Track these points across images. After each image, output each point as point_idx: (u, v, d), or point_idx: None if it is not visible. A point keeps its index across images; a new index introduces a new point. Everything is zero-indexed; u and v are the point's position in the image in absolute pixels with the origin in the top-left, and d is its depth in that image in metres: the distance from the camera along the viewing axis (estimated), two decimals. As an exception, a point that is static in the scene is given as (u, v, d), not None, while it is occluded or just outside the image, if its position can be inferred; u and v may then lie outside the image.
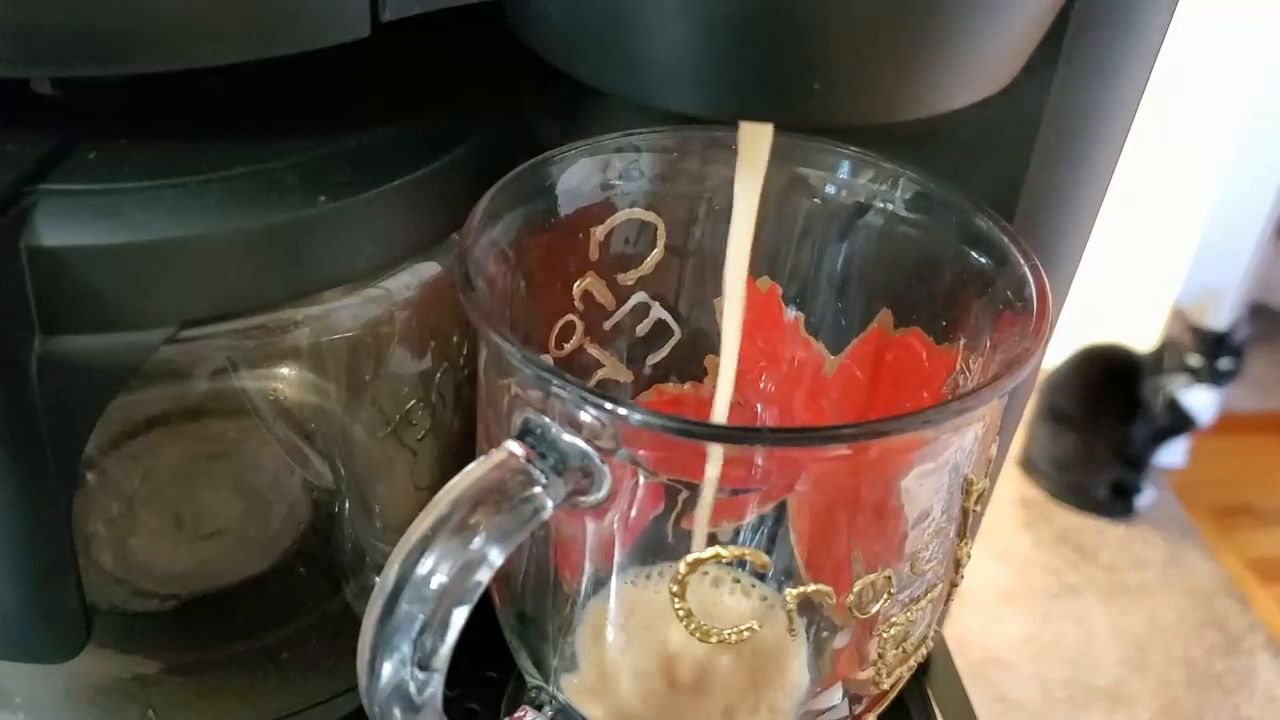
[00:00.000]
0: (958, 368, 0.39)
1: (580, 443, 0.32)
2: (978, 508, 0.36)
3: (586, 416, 0.32)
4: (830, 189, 0.41)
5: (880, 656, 0.37)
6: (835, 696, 0.39)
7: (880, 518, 0.36)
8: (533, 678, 0.40)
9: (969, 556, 0.39)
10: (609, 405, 0.31)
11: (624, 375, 0.46)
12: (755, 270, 0.43)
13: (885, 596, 0.35)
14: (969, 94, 0.29)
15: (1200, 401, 1.95)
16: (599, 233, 0.41)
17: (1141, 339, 2.06)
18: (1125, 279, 2.20)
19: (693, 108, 0.27)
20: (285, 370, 0.42)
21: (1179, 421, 1.99)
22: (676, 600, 0.33)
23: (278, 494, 0.46)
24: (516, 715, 0.38)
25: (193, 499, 0.47)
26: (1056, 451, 2.07)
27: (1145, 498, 2.09)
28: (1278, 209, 2.02)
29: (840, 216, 0.41)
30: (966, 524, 0.37)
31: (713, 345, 0.44)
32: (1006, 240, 0.37)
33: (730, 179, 0.37)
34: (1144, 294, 2.12)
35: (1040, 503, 2.10)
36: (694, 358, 0.46)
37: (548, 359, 0.42)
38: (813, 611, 0.38)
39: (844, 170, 0.41)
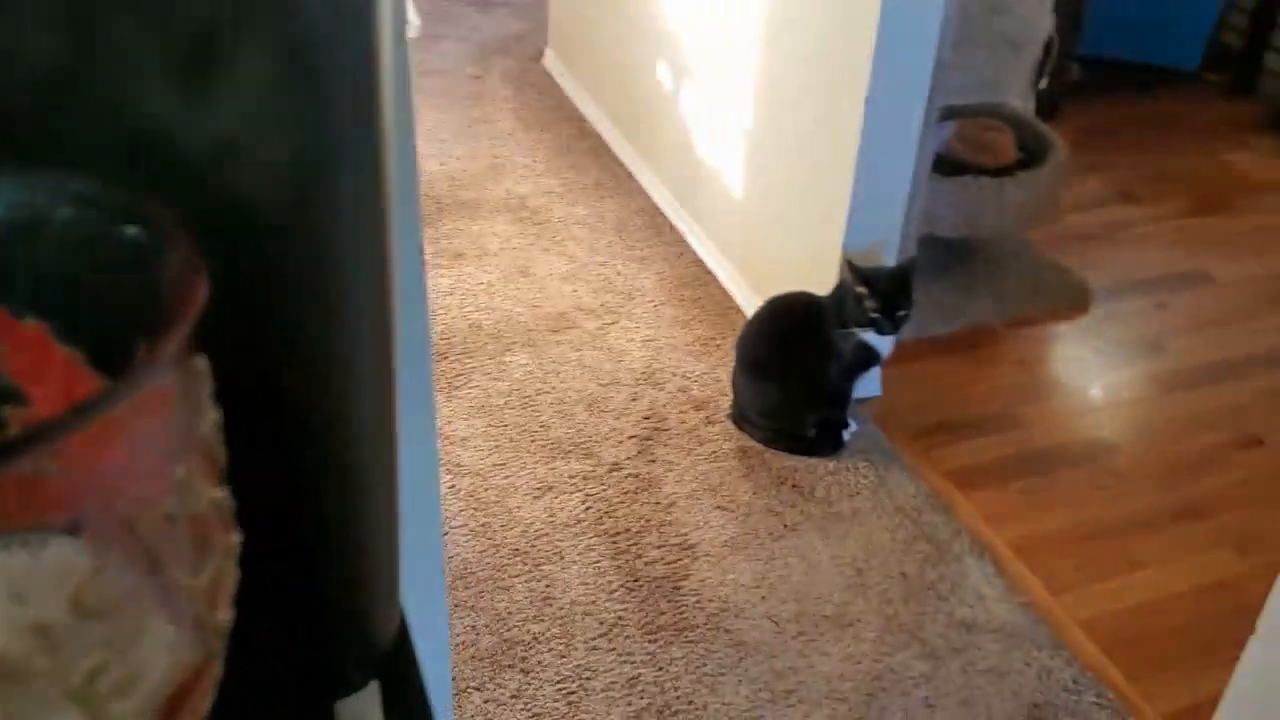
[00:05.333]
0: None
1: None
2: (212, 495, 0.38)
3: None
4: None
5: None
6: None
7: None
8: None
9: (233, 549, 0.41)
10: None
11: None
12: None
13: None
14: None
15: (879, 338, 2.08)
16: None
17: (820, 283, 2.18)
18: (797, 229, 2.34)
19: None
20: None
21: (866, 358, 2.12)
22: None
23: None
24: None
25: None
26: (762, 402, 2.18)
27: (850, 431, 2.22)
28: (922, 155, 2.17)
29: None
30: (205, 515, 0.38)
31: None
32: (163, 238, 0.39)
33: None
34: (817, 240, 2.25)
35: (757, 451, 2.21)
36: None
37: None
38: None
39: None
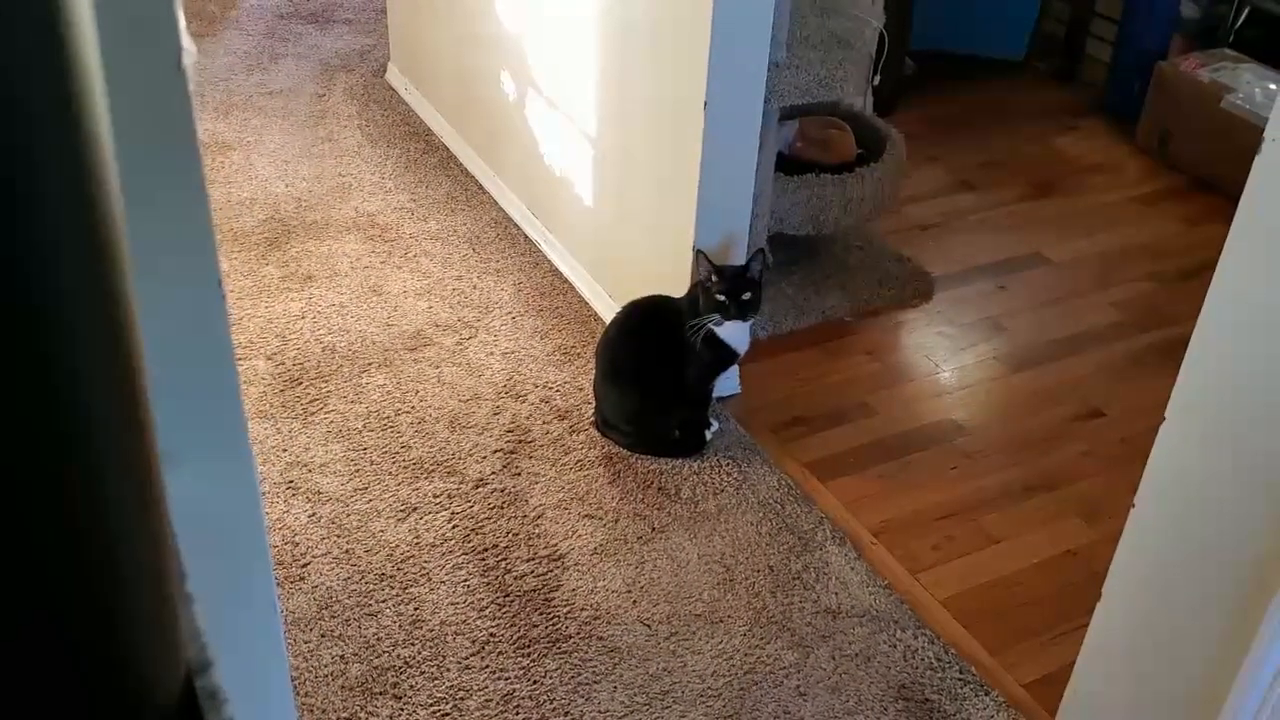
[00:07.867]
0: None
1: None
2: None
3: None
4: None
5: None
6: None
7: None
8: None
9: None
10: None
11: None
12: None
13: None
14: None
15: (734, 334, 2.12)
16: None
17: (675, 286, 2.21)
18: (649, 234, 2.36)
19: None
20: None
21: (723, 355, 2.15)
22: None
23: None
24: None
25: None
26: (625, 408, 2.19)
27: (712, 430, 2.24)
28: (765, 155, 2.22)
29: None
30: None
31: None
32: None
33: None
34: (669, 243, 2.27)
35: (622, 456, 2.22)
36: None
37: None
38: None
39: None
